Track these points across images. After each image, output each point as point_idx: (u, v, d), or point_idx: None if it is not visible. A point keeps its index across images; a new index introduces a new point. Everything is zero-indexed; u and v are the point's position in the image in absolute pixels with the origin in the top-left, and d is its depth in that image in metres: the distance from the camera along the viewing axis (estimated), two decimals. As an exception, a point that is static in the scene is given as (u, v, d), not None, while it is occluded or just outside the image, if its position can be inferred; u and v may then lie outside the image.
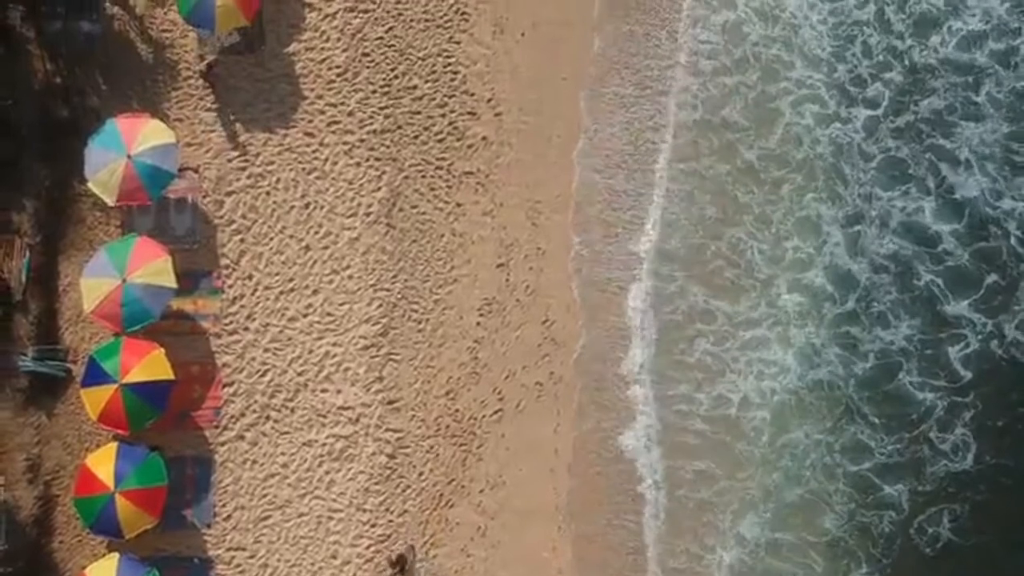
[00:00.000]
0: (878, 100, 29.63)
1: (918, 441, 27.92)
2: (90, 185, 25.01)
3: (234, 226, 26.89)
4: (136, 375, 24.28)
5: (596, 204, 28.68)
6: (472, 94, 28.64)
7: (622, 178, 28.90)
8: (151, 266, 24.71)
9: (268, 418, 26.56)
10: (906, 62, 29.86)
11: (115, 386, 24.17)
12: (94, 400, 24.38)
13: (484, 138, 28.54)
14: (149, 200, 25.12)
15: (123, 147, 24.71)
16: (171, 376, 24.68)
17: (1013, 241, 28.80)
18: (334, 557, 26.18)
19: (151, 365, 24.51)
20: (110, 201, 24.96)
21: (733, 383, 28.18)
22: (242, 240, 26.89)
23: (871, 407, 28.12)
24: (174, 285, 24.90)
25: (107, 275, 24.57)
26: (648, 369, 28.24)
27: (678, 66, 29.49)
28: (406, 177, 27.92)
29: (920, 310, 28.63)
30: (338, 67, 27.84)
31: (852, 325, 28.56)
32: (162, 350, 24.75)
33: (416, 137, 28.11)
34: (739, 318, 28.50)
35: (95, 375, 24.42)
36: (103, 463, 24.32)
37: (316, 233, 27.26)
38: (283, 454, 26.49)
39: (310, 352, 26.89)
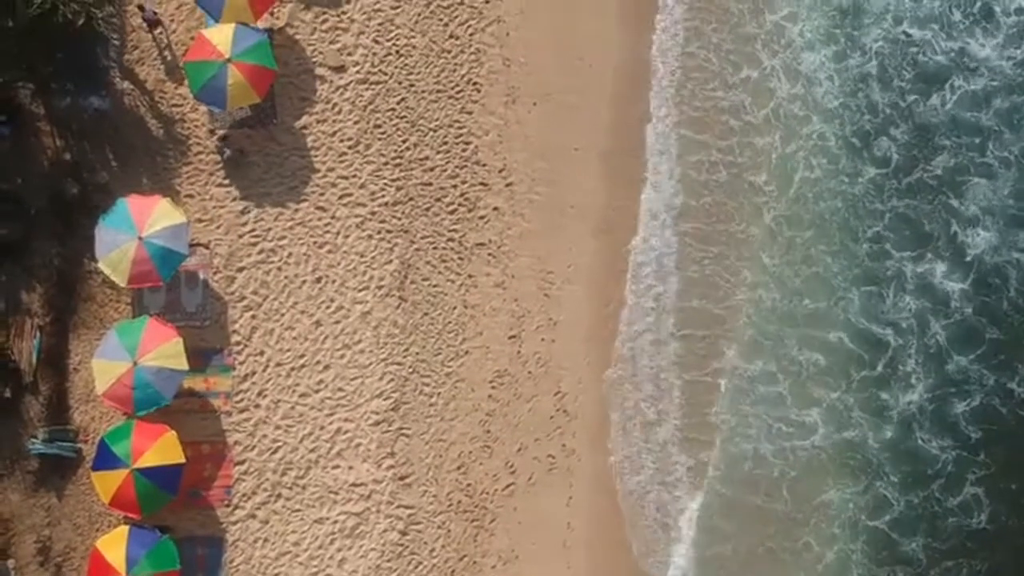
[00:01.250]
0: (887, 157, 29.51)
1: (931, 499, 28.19)
2: (101, 266, 24.81)
3: (245, 302, 26.71)
4: (148, 459, 24.11)
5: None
6: (484, 164, 28.50)
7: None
8: (163, 348, 24.52)
9: (279, 496, 26.38)
10: (912, 119, 29.73)
11: (127, 471, 24.00)
12: (105, 484, 24.20)
13: (496, 209, 28.41)
14: (160, 282, 24.92)
15: (134, 228, 24.52)
16: (182, 460, 24.51)
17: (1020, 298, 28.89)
18: (346, 637, 26.13)
19: (163, 449, 24.35)
20: (121, 283, 24.76)
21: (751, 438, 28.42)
22: (253, 316, 26.72)
23: (887, 464, 28.30)
24: (186, 368, 24.72)
25: (118, 358, 24.39)
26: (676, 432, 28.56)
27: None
28: (418, 249, 27.77)
29: (930, 367, 28.62)
30: (350, 139, 27.68)
31: (868, 383, 28.63)
32: (173, 433, 24.59)
33: (428, 209, 27.98)
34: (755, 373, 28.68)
35: (106, 459, 24.23)
36: (114, 547, 24.14)
37: (327, 308, 27.10)
38: (294, 532, 26.32)
39: (321, 428, 26.73)
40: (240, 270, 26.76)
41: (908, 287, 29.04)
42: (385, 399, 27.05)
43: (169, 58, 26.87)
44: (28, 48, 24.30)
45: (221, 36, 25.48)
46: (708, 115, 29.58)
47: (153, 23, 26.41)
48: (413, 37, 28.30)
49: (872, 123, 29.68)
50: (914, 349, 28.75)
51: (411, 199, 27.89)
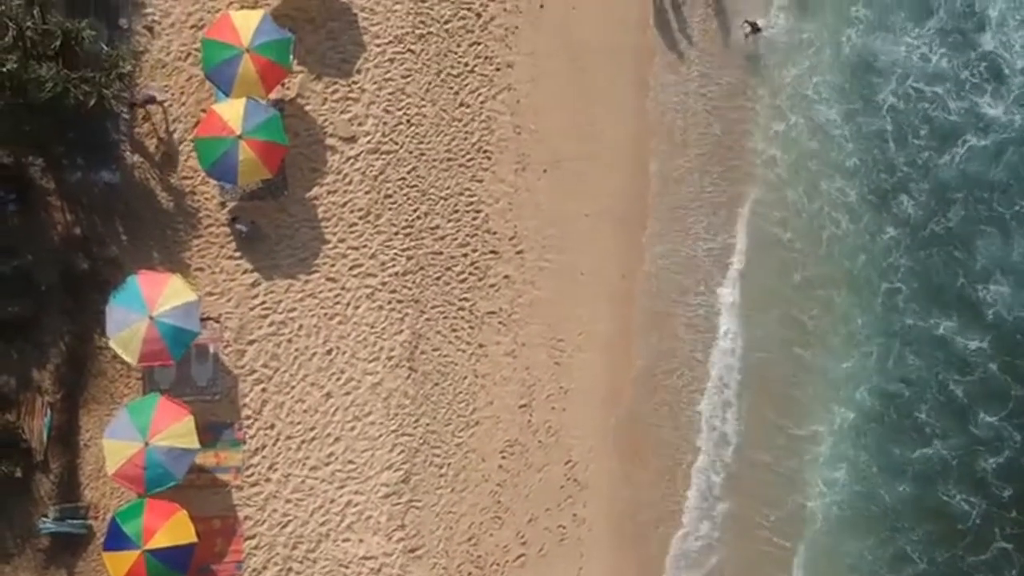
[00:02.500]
0: (904, 213, 29.53)
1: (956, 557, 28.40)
2: (112, 345, 24.71)
3: (256, 375, 26.65)
4: (159, 540, 24.06)
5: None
6: (494, 233, 28.43)
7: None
8: (174, 428, 24.45)
9: (290, 570, 26.32)
10: (927, 176, 29.75)
11: (138, 552, 23.95)
12: (117, 565, 24.14)
13: (506, 277, 28.35)
14: (171, 360, 24.83)
15: (145, 308, 24.43)
16: (194, 539, 24.46)
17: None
18: None
19: (174, 529, 24.29)
20: (132, 362, 24.68)
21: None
22: (264, 389, 26.66)
23: (913, 521, 28.51)
24: (197, 447, 24.66)
25: (129, 437, 24.32)
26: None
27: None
28: (428, 319, 27.71)
29: (954, 424, 28.74)
30: (360, 210, 27.62)
31: (891, 440, 28.81)
32: (184, 512, 24.53)
33: (438, 278, 27.91)
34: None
35: (118, 539, 24.16)
36: (125, 625, 24.15)
37: (338, 379, 27.04)
38: (305, 607, 26.36)
39: (332, 502, 26.67)
40: (251, 343, 26.71)
41: (926, 344, 29.07)
42: (395, 471, 26.99)
43: (177, 132, 26.82)
44: (40, 127, 24.19)
45: (232, 112, 25.42)
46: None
47: (148, 100, 26.40)
48: (424, 106, 28.24)
49: (890, 180, 29.74)
50: (936, 405, 28.86)
51: (422, 268, 27.84)
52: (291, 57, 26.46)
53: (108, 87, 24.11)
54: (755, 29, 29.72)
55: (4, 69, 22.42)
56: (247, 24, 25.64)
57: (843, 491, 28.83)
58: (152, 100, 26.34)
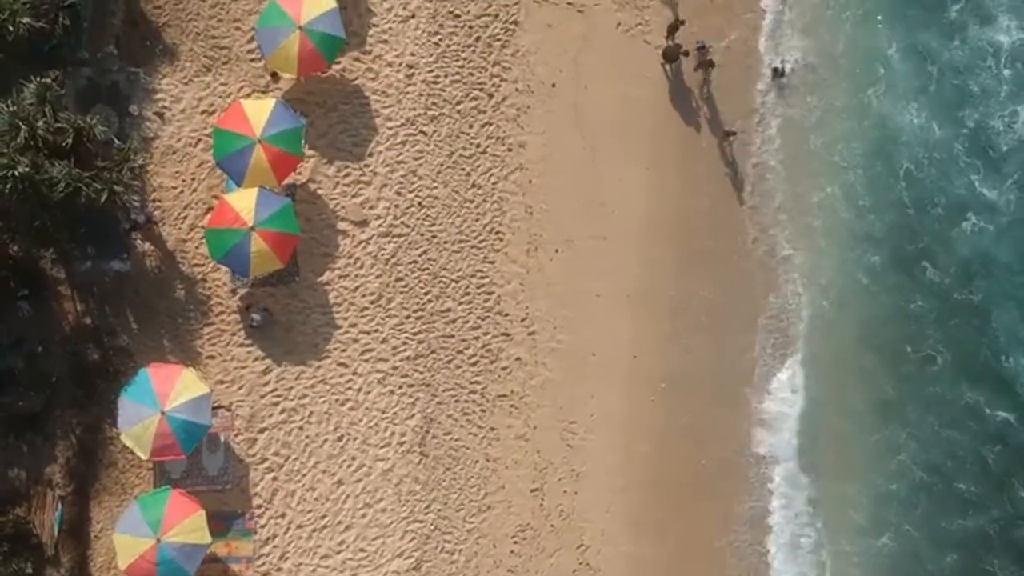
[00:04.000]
0: (928, 282, 29.65)
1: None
2: (124, 439, 24.53)
3: (267, 464, 26.50)
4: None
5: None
6: (506, 314, 28.30)
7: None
8: (186, 524, 24.30)
9: (301, 660, 26.27)
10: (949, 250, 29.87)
11: (157, 619, 23.87)
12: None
13: (518, 359, 28.22)
14: (183, 455, 24.66)
15: (157, 403, 24.27)
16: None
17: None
18: None
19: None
20: (144, 456, 24.54)
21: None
22: (275, 478, 26.51)
23: None
24: (209, 541, 24.50)
25: (141, 533, 24.15)
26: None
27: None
28: (439, 403, 27.56)
29: (992, 495, 28.94)
30: (372, 294, 27.48)
31: (933, 510, 29.01)
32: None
33: (450, 361, 27.77)
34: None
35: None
36: None
37: (349, 466, 26.89)
38: None
39: (343, 590, 26.63)
40: (262, 431, 26.56)
41: (958, 414, 29.20)
42: (406, 558, 26.85)
43: (188, 218, 26.70)
44: (51, 222, 24.08)
45: (244, 203, 25.26)
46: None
47: (148, 221, 26.24)
48: (435, 188, 28.11)
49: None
50: (972, 476, 29.04)
51: (433, 352, 27.70)
52: (303, 144, 26.35)
53: (119, 183, 23.94)
54: (779, 73, 29.91)
55: (17, 172, 22.26)
56: (259, 113, 25.50)
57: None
58: (150, 220, 26.18)
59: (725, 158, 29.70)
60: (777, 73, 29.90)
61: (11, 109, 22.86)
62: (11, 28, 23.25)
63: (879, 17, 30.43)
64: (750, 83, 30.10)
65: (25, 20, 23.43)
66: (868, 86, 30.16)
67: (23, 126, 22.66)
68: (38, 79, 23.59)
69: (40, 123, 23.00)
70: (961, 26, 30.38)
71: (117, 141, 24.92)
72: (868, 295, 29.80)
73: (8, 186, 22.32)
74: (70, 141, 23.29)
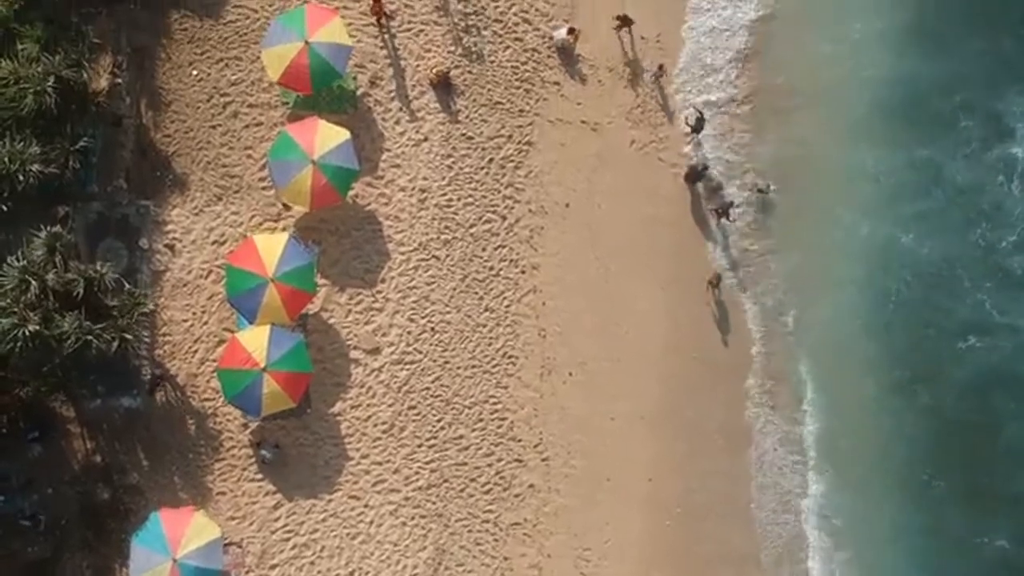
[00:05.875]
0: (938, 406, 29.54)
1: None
2: (135, 585, 24.33)
3: (278, 601, 26.28)
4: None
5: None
6: (519, 440, 27.97)
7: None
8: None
9: None
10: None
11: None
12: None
13: (531, 486, 27.89)
14: (195, 603, 24.40)
15: (168, 550, 23.79)
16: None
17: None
18: None
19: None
20: (155, 603, 24.28)
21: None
22: (287, 614, 26.28)
23: None
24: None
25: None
26: None
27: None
28: (452, 533, 27.22)
29: None
30: (384, 423, 27.14)
31: None
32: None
33: (463, 490, 27.44)
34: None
35: None
36: None
37: (361, 601, 26.67)
38: None
39: None
40: (273, 567, 26.18)
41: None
42: None
43: (199, 352, 26.39)
44: (62, 371, 23.82)
45: (256, 342, 24.91)
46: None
47: (160, 378, 25.98)
48: (448, 313, 27.79)
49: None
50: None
51: (446, 481, 27.36)
52: (315, 279, 26.04)
53: (129, 330, 23.63)
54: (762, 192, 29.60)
55: (28, 331, 21.96)
56: (271, 250, 25.16)
57: None
58: (162, 378, 25.91)
59: (738, 280, 29.52)
60: (761, 192, 29.72)
61: (21, 264, 22.54)
62: (21, 178, 22.96)
63: (880, 132, 30.21)
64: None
65: (35, 167, 23.14)
66: (876, 205, 29.96)
67: (33, 281, 22.34)
68: (47, 229, 23.26)
69: (50, 275, 22.69)
70: (971, 139, 30.13)
71: (128, 285, 24.56)
72: (880, 416, 29.59)
73: (19, 345, 22.02)
74: (81, 291, 22.97)
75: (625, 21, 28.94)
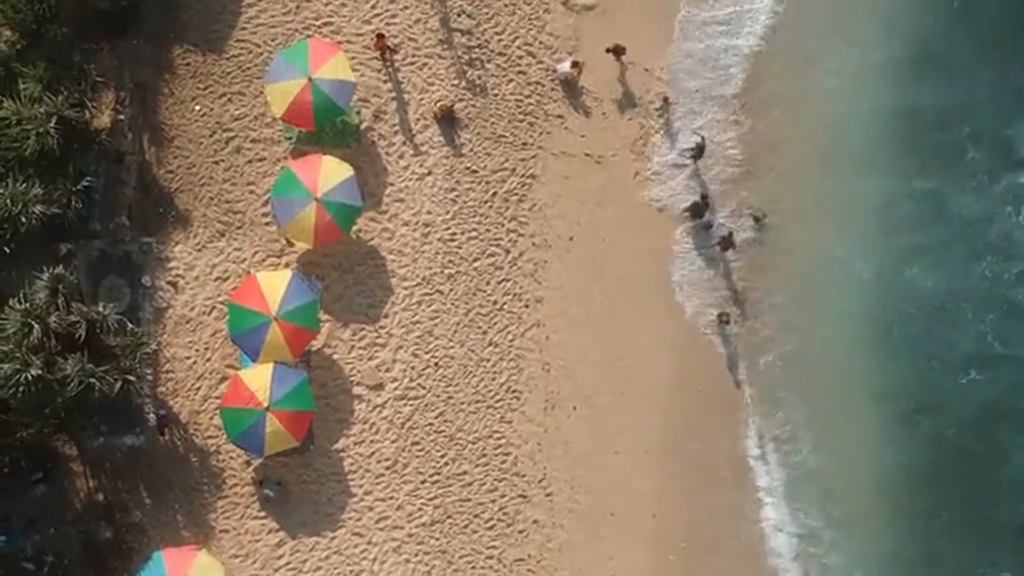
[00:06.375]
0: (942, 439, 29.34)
1: None
2: (137, 628, 24.23)
3: (282, 643, 26.14)
4: None
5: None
6: (523, 475, 27.84)
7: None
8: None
9: None
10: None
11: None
12: None
13: (535, 521, 27.76)
14: (196, 647, 24.27)
15: (170, 593, 23.90)
16: None
17: None
18: None
19: None
20: (158, 647, 24.15)
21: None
22: (289, 656, 26.14)
23: None
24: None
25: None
26: None
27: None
28: (456, 570, 27.10)
29: None
30: (387, 459, 27.04)
31: None
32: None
33: (466, 526, 27.32)
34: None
35: None
36: None
37: (364, 640, 26.55)
38: None
39: None
40: (276, 605, 26.22)
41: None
42: None
43: (202, 389, 26.29)
44: (65, 413, 23.74)
45: (259, 381, 24.79)
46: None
47: (165, 421, 25.89)
48: (452, 347, 27.68)
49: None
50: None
51: (449, 517, 27.24)
52: (319, 316, 25.94)
53: (132, 372, 23.53)
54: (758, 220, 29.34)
55: (30, 376, 21.86)
56: (274, 288, 25.04)
57: None
58: (167, 419, 25.81)
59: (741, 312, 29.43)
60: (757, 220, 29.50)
61: (23, 307, 22.44)
62: (23, 220, 22.86)
63: (884, 163, 29.90)
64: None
65: (38, 208, 23.05)
66: (878, 237, 29.71)
67: (36, 324, 22.24)
68: (49, 270, 23.15)
69: (52, 318, 22.59)
70: (978, 170, 29.90)
71: (130, 324, 24.46)
72: (881, 448, 29.43)
73: (21, 389, 21.92)
74: (83, 333, 22.87)
75: (617, 51, 28.81)
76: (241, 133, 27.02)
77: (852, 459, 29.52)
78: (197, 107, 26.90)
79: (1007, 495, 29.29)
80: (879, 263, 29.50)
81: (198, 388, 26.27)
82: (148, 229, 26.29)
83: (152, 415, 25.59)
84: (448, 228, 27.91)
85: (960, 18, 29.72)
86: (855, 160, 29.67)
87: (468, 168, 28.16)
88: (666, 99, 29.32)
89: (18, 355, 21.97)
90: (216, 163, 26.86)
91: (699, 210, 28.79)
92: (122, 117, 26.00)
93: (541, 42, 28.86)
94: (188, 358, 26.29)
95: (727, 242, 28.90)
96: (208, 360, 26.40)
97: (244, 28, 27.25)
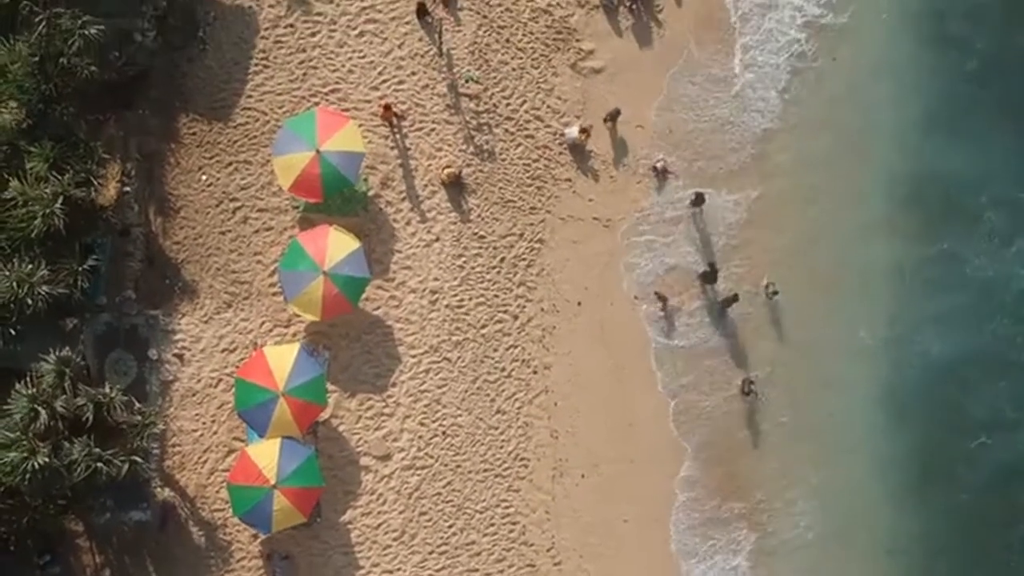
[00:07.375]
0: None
1: None
2: None
3: None
4: None
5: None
6: (531, 544, 27.66)
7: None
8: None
9: None
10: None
11: None
12: None
13: (544, 590, 27.68)
14: None
15: (178, 671, 23.79)
16: None
17: None
18: None
19: None
20: None
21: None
22: None
23: None
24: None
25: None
26: None
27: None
28: (463, 647, 27.03)
29: None
30: (395, 530, 26.87)
31: None
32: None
33: (474, 597, 27.25)
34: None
35: None
36: None
37: None
38: None
39: None
40: None
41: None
42: None
43: (208, 462, 26.12)
44: (72, 495, 23.57)
45: (266, 457, 24.61)
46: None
47: (168, 514, 25.84)
48: (459, 416, 27.49)
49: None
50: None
51: (457, 588, 27.19)
52: (326, 391, 25.76)
53: (139, 452, 23.36)
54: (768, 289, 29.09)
55: (37, 463, 21.68)
56: (282, 364, 24.89)
57: None
58: (168, 515, 25.66)
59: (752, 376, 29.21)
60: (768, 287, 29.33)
61: (30, 392, 22.26)
62: (30, 302, 22.67)
63: (899, 227, 29.72)
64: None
65: (44, 290, 22.85)
66: (887, 301, 29.53)
67: (43, 410, 22.06)
68: (55, 353, 22.97)
69: (59, 402, 22.41)
70: (993, 233, 29.77)
71: (137, 403, 24.28)
72: (890, 514, 29.27)
73: (27, 477, 21.74)
74: (90, 416, 22.69)
75: (613, 116, 28.62)
76: (248, 202, 26.88)
77: (859, 523, 29.24)
78: (203, 177, 26.76)
79: (1018, 560, 29.16)
80: (890, 327, 29.31)
81: (205, 461, 26.11)
82: (154, 301, 26.15)
83: (157, 509, 25.41)
84: (456, 295, 27.74)
85: (974, 83, 29.52)
86: (866, 224, 29.48)
87: (476, 234, 27.98)
88: (665, 171, 28.98)
89: (25, 442, 21.79)
90: (223, 233, 26.70)
91: (710, 277, 28.57)
92: (128, 189, 25.85)
93: (549, 106, 28.68)
94: (195, 431, 26.13)
95: (728, 302, 28.68)
96: (215, 433, 26.23)
97: (250, 96, 27.11)
